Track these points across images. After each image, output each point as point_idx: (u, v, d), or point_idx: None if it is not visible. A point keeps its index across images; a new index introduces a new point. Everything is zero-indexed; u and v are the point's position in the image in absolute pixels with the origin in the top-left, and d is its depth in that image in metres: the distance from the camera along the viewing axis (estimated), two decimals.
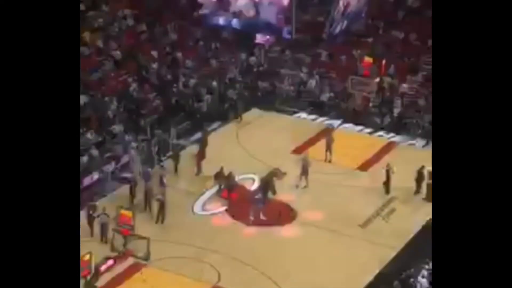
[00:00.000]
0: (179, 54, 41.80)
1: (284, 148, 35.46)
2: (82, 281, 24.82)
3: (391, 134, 37.62)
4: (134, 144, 34.27)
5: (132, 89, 38.47)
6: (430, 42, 40.86)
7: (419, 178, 31.94)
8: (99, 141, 34.30)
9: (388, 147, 36.41)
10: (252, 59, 42.82)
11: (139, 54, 40.92)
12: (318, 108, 39.81)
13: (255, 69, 42.53)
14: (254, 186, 32.51)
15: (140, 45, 41.84)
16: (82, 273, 24.72)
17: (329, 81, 41.32)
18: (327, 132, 36.20)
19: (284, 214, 30.97)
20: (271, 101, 40.30)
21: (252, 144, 35.91)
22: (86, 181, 31.86)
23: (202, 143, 34.68)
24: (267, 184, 31.65)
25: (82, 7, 39.80)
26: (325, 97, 40.32)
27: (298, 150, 35.26)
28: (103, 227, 28.77)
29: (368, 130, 38.13)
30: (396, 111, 39.18)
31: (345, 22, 37.70)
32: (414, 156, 34.37)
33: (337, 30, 37.77)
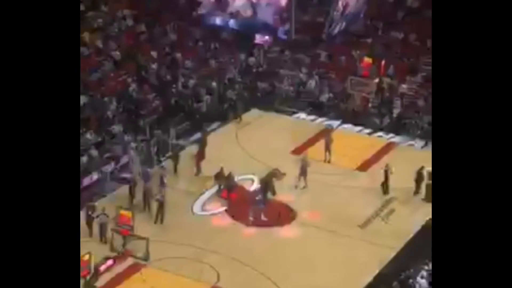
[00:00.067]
0: (178, 55, 41.80)
1: (283, 148, 35.46)
2: (81, 281, 24.82)
3: (391, 135, 37.63)
4: (133, 145, 34.27)
5: (131, 89, 38.47)
6: (429, 43, 40.94)
7: (419, 179, 31.95)
8: (98, 141, 34.30)
9: (387, 148, 36.42)
10: (252, 59, 42.83)
11: (138, 54, 40.92)
12: (317, 109, 39.82)
13: (254, 70, 42.54)
14: (254, 186, 32.52)
15: (139, 45, 41.84)
16: (81, 273, 24.74)
17: (328, 82, 41.33)
18: (326, 133, 36.20)
19: (283, 215, 30.97)
20: (270, 102, 40.31)
21: (251, 144, 35.91)
22: (86, 181, 31.85)
23: (202, 143, 34.68)
24: (266, 185, 31.65)
25: (81, 7, 39.78)
26: (324, 97, 40.33)
27: (297, 151, 35.27)
28: (102, 227, 28.77)
29: (367, 130, 38.13)
30: (396, 111, 39.20)
31: (344, 23, 37.76)
32: (413, 157, 34.39)
33: (336, 30, 37.83)
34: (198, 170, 33.58)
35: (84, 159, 32.32)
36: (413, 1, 44.32)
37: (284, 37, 35.80)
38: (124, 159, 33.76)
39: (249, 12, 35.61)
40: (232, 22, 36.32)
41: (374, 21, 43.63)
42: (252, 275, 27.35)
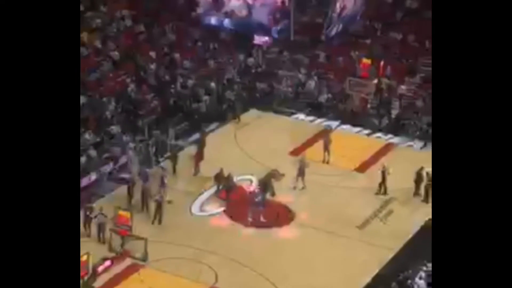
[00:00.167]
0: (177, 55, 41.78)
1: (282, 149, 35.45)
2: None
3: (389, 136, 37.63)
4: (132, 145, 34.26)
5: (130, 89, 38.44)
6: (428, 44, 40.96)
7: (418, 180, 31.93)
8: (97, 142, 34.28)
9: (386, 149, 36.42)
10: (250, 60, 42.81)
11: (137, 54, 40.90)
12: (316, 109, 39.81)
13: (253, 70, 42.52)
14: (252, 187, 32.50)
15: (138, 45, 41.81)
16: None
17: (327, 82, 41.32)
18: (325, 133, 36.19)
19: (282, 216, 30.95)
20: (269, 102, 40.30)
21: (250, 145, 35.90)
22: (84, 181, 31.78)
23: (200, 144, 34.66)
24: (265, 186, 31.64)
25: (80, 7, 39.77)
26: (323, 98, 40.32)
27: (296, 151, 35.25)
28: (101, 227, 28.75)
29: (366, 131, 38.13)
30: (394, 112, 39.19)
31: (341, 25, 37.86)
32: (412, 158, 34.39)
33: (333, 32, 37.93)
34: (197, 170, 33.56)
35: (82, 159, 32.27)
36: (411, 2, 44.32)
37: (276, 36, 36.00)
38: (123, 160, 33.73)
39: (244, 12, 35.75)
40: (227, 22, 36.45)
41: (373, 22, 43.64)
42: (251, 275, 27.33)
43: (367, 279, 27.32)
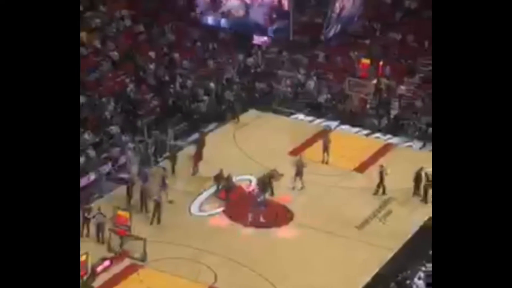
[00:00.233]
0: (176, 55, 41.78)
1: (281, 149, 35.44)
2: None
3: (388, 136, 37.64)
4: (131, 145, 34.26)
5: (129, 89, 38.44)
6: (427, 44, 40.97)
7: (418, 180, 31.92)
8: (96, 142, 34.28)
9: (385, 149, 36.42)
10: (250, 60, 42.82)
11: (136, 54, 40.89)
12: (315, 110, 39.81)
13: (252, 70, 42.52)
14: (251, 187, 32.51)
15: (137, 45, 41.80)
16: None
17: (326, 83, 41.33)
18: (324, 134, 36.20)
19: (281, 216, 30.96)
20: (268, 102, 40.30)
21: (249, 145, 35.90)
22: (83, 181, 31.75)
23: (199, 144, 34.66)
24: (264, 186, 31.66)
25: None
26: (322, 98, 40.33)
27: (295, 152, 35.25)
28: (100, 227, 28.75)
29: (365, 131, 38.15)
30: (393, 112, 39.20)
31: (339, 26, 37.89)
32: (411, 158, 34.41)
33: (331, 33, 37.96)
34: (195, 170, 33.56)
35: (81, 159, 32.26)
36: (411, 2, 44.33)
37: (272, 35, 36.14)
38: (122, 160, 33.73)
39: (241, 12, 35.86)
40: (223, 22, 36.57)
41: (372, 22, 43.65)
42: (250, 276, 27.34)
43: (366, 279, 27.33)
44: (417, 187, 32.04)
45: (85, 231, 28.72)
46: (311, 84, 41.12)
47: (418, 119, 37.98)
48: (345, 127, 38.41)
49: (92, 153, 33.31)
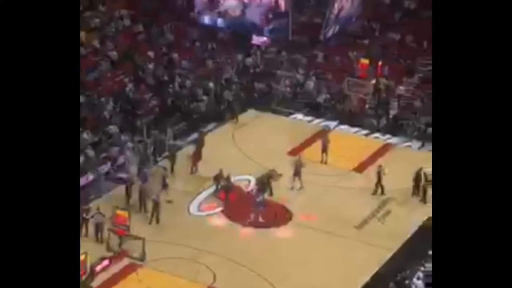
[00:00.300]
0: (175, 55, 41.78)
1: (280, 149, 35.44)
2: None
3: (387, 136, 37.65)
4: (130, 145, 34.24)
5: (128, 89, 38.44)
6: (426, 44, 40.98)
7: (417, 180, 31.90)
8: (95, 141, 34.28)
9: (384, 149, 36.43)
10: (249, 60, 42.82)
11: (135, 54, 40.89)
12: (314, 110, 39.81)
13: (251, 70, 42.52)
14: (250, 187, 32.51)
15: (136, 45, 41.79)
16: None
17: (325, 83, 41.33)
18: (323, 134, 36.21)
19: (280, 216, 30.96)
20: (267, 102, 40.30)
21: (248, 145, 35.89)
22: (82, 181, 31.71)
23: (198, 143, 34.67)
24: (263, 185, 31.67)
25: None
26: (321, 98, 40.34)
27: (294, 152, 35.24)
28: (99, 227, 28.73)
29: (364, 131, 38.15)
30: (392, 112, 39.20)
31: (337, 26, 37.96)
32: (410, 158, 34.42)
33: (329, 33, 38.04)
34: (194, 170, 33.55)
35: (80, 159, 32.25)
36: (410, 3, 44.34)
37: (267, 35, 36.35)
38: (121, 159, 33.72)
39: (237, 12, 36.00)
40: (220, 21, 36.69)
41: (371, 22, 43.65)
42: (249, 276, 27.33)
43: (365, 279, 27.32)
44: (416, 187, 32.02)
45: (83, 231, 28.70)
46: (310, 84, 41.12)
47: (417, 119, 37.99)
48: (344, 127, 38.42)
49: (91, 152, 33.30)
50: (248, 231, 30.04)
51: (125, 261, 27.86)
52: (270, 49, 43.00)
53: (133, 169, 32.75)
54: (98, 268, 26.96)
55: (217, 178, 32.09)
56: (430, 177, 30.31)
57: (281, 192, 32.07)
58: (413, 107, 39.15)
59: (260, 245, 29.13)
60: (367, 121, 38.88)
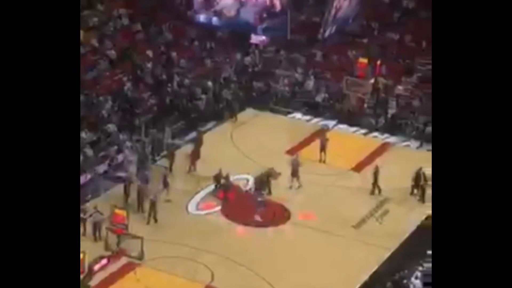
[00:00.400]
0: (174, 54, 41.76)
1: (278, 148, 35.42)
2: None
3: (386, 135, 37.64)
4: (128, 144, 34.23)
5: (126, 88, 38.42)
6: (425, 44, 40.99)
7: (417, 180, 31.88)
8: (93, 140, 34.26)
9: (383, 148, 36.42)
10: (247, 59, 42.79)
11: (134, 53, 40.88)
12: (313, 109, 39.80)
13: (250, 69, 42.51)
14: (248, 186, 32.51)
15: (135, 44, 41.79)
16: None
17: (324, 82, 41.32)
18: (321, 133, 36.21)
19: (278, 215, 30.96)
20: (266, 101, 40.29)
21: (246, 144, 35.88)
22: (80, 180, 31.74)
23: (197, 142, 34.66)
24: (262, 184, 31.68)
25: None
26: (320, 97, 40.33)
27: (292, 151, 35.23)
28: (97, 226, 28.71)
29: (363, 131, 38.16)
30: (391, 112, 39.20)
31: (334, 27, 38.05)
32: (408, 158, 34.42)
33: (327, 34, 38.11)
34: (193, 169, 33.52)
35: None
36: (409, 2, 44.35)
37: (261, 33, 36.56)
38: (119, 158, 33.70)
39: (233, 12, 36.21)
40: (215, 20, 36.81)
41: (370, 22, 43.65)
42: (247, 275, 27.32)
43: (363, 279, 27.31)
44: (415, 187, 31.98)
45: (81, 229, 28.65)
46: (309, 83, 41.11)
47: (415, 118, 37.99)
48: (343, 126, 38.41)
49: (89, 151, 33.27)
50: (247, 230, 30.03)
51: (123, 260, 27.85)
52: (268, 48, 42.98)
53: (132, 168, 32.73)
54: (96, 267, 26.96)
55: (217, 177, 32.07)
56: (429, 177, 30.35)
57: (279, 191, 32.07)
58: (411, 106, 39.15)
59: (258, 244, 29.13)
60: (366, 121, 38.87)
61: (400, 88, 40.36)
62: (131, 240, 28.05)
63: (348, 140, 37.01)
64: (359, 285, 27.10)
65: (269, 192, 31.81)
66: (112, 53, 40.28)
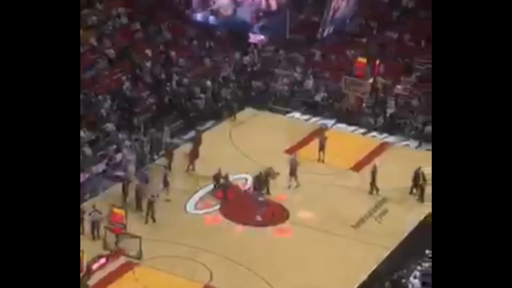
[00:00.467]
0: (173, 53, 41.74)
1: (277, 147, 35.40)
2: None
3: (384, 135, 37.63)
4: (127, 143, 34.21)
5: (125, 87, 38.41)
6: (424, 43, 40.98)
7: (416, 179, 31.87)
8: (92, 139, 34.24)
9: (381, 148, 36.41)
10: (246, 58, 42.78)
11: (133, 52, 40.86)
12: (311, 108, 39.79)
13: (249, 69, 42.50)
14: (247, 186, 32.50)
15: (134, 43, 41.77)
16: None
17: (323, 81, 41.31)
18: (320, 132, 36.20)
19: (277, 214, 30.94)
20: (264, 101, 40.27)
21: (245, 143, 35.87)
22: None
23: (196, 141, 34.65)
24: (261, 184, 31.66)
25: None
26: (319, 97, 40.32)
27: (291, 150, 35.23)
28: (95, 224, 28.70)
29: (362, 130, 38.14)
30: (390, 111, 39.19)
31: (332, 27, 38.09)
32: (407, 157, 34.42)
33: (325, 34, 38.14)
34: (192, 168, 33.51)
35: None
36: (408, 1, 44.33)
37: (257, 32, 36.67)
38: (118, 157, 33.68)
39: (229, 11, 36.29)
40: (212, 19, 36.88)
41: (369, 21, 43.62)
42: (246, 274, 27.31)
43: (362, 278, 27.31)
44: (415, 186, 31.95)
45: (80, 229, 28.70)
46: (307, 82, 41.09)
47: (414, 118, 37.97)
48: (342, 125, 38.40)
49: (88, 151, 33.26)
50: (245, 229, 30.01)
51: (122, 260, 27.84)
52: (267, 47, 42.97)
53: (131, 167, 32.71)
54: (94, 266, 26.94)
55: (217, 177, 32.05)
56: (428, 176, 30.36)
57: (278, 190, 32.06)
58: (410, 106, 39.13)
59: (257, 244, 29.11)
60: (365, 120, 38.86)
61: (399, 87, 40.34)
62: (130, 239, 28.04)
63: (347, 140, 36.99)
64: (358, 284, 27.10)
65: (268, 192, 31.79)
66: (111, 52, 40.26)
